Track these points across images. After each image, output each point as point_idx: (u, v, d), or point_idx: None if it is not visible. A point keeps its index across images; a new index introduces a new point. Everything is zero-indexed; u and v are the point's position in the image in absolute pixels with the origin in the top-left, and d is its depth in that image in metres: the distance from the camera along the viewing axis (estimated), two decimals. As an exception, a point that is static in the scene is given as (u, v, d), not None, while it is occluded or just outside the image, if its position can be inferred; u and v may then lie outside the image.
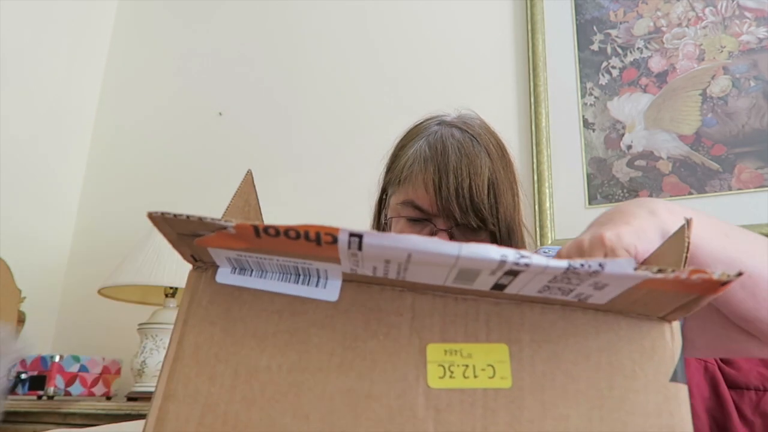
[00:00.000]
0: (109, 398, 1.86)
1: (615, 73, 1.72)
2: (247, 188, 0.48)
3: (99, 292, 1.84)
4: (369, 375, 0.37)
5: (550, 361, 0.37)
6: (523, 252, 0.32)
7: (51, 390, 1.70)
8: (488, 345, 0.37)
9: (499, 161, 0.85)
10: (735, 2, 1.65)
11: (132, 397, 1.72)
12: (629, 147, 1.66)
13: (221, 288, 0.40)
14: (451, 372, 0.37)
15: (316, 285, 0.39)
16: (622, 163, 1.65)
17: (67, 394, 1.75)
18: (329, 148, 2.03)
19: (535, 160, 1.72)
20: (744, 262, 0.48)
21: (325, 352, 0.38)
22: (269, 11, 2.28)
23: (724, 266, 0.48)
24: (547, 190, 1.68)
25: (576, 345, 0.37)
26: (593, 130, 1.71)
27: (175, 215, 0.34)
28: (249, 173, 0.48)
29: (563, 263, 0.32)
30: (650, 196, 1.59)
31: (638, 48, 1.72)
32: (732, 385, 1.02)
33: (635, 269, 0.31)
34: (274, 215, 1.85)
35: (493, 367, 0.37)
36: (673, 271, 0.31)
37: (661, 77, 1.67)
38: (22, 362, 1.75)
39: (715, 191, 1.54)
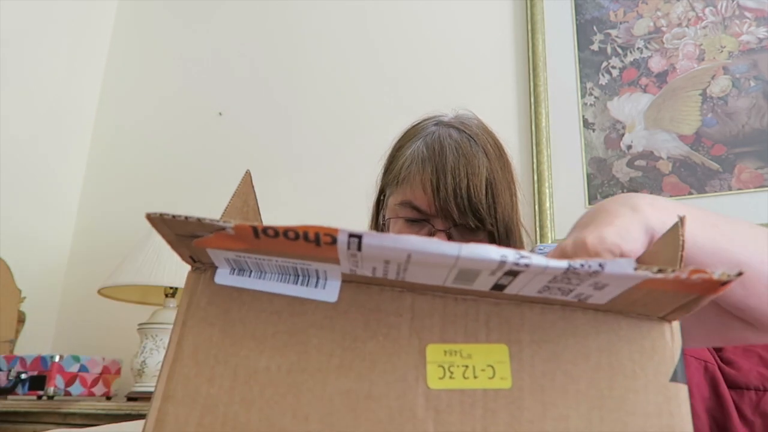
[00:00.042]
0: (109, 398, 1.86)
1: (615, 73, 1.72)
2: (246, 189, 0.48)
3: (99, 292, 1.85)
4: (368, 376, 0.37)
5: (550, 361, 0.37)
6: (522, 252, 0.32)
7: (51, 390, 1.70)
8: (488, 345, 0.37)
9: (497, 161, 0.85)
10: (735, 2, 1.65)
11: (132, 397, 1.73)
12: (629, 147, 1.66)
13: (220, 289, 0.40)
14: (451, 372, 0.36)
15: (316, 286, 0.39)
16: (622, 163, 1.65)
17: (67, 394, 1.75)
18: (329, 148, 2.03)
19: (535, 160, 1.72)
20: (733, 252, 0.48)
21: (324, 353, 0.37)
22: (269, 11, 2.28)
23: (713, 257, 0.47)
24: (547, 190, 1.68)
25: (576, 345, 0.37)
26: (593, 130, 1.71)
27: (173, 216, 0.34)
28: (247, 174, 0.48)
29: (563, 263, 0.32)
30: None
31: (638, 48, 1.72)
32: (732, 385, 1.02)
33: (635, 269, 0.31)
34: (274, 215, 1.85)
35: (492, 367, 0.37)
36: (673, 271, 0.31)
37: (661, 77, 1.67)
38: (22, 362, 1.75)
39: (715, 191, 1.54)
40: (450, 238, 0.82)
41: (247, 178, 0.48)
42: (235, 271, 0.40)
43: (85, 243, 2.28)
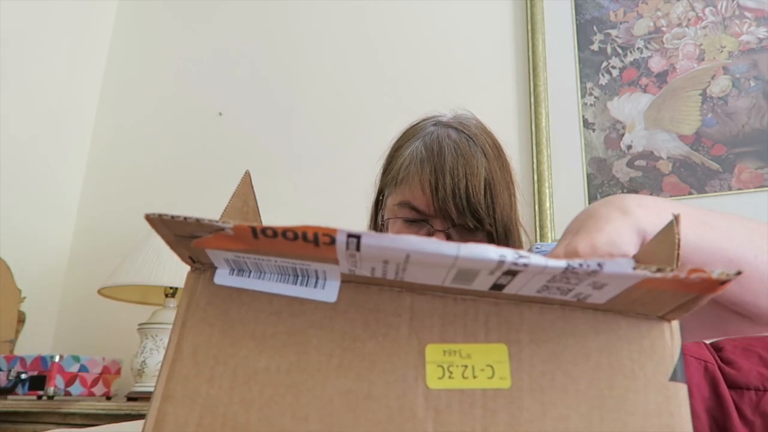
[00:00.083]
0: (109, 398, 1.86)
1: (615, 73, 1.72)
2: (246, 189, 0.48)
3: (99, 292, 1.84)
4: (368, 376, 0.37)
5: (550, 361, 0.37)
6: (521, 252, 0.32)
7: (51, 390, 1.70)
8: (487, 345, 0.37)
9: (496, 161, 0.84)
10: (735, 2, 1.65)
11: (132, 397, 1.72)
12: (629, 147, 1.66)
13: (219, 289, 0.40)
14: (450, 372, 0.36)
15: (315, 286, 0.39)
16: (622, 163, 1.65)
17: (67, 394, 1.75)
18: (329, 148, 2.03)
19: (535, 160, 1.72)
20: (726, 250, 0.48)
21: (323, 353, 0.37)
22: (269, 11, 2.28)
23: (705, 256, 0.47)
24: (547, 190, 1.68)
25: (575, 345, 0.37)
26: (593, 130, 1.70)
27: (172, 217, 0.34)
28: (247, 174, 0.48)
29: (562, 263, 0.32)
30: (650, 195, 1.59)
31: (638, 48, 1.72)
32: (732, 385, 1.02)
33: (634, 268, 0.31)
34: (274, 215, 1.85)
35: (492, 367, 0.37)
36: (672, 270, 0.31)
37: (661, 77, 1.67)
38: (22, 362, 1.75)
39: (715, 191, 1.54)
40: (449, 238, 0.81)
41: (247, 179, 0.48)
42: (235, 271, 0.40)
43: (85, 243, 2.28)
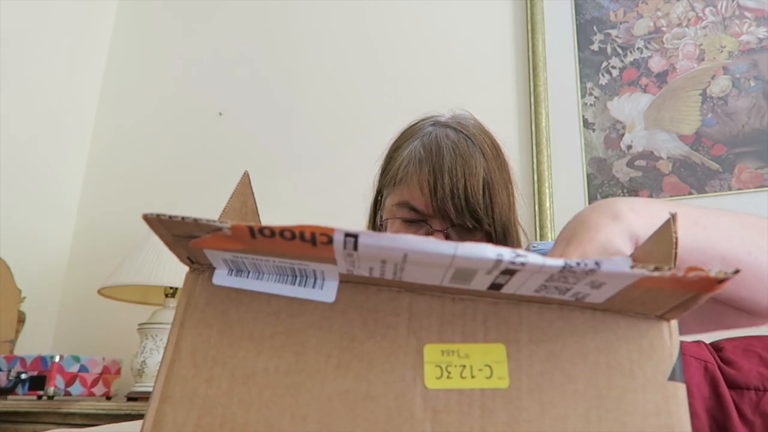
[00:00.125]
0: (109, 398, 1.86)
1: (615, 73, 1.72)
2: (244, 189, 0.48)
3: (99, 292, 1.85)
4: (366, 376, 0.37)
5: (548, 360, 0.37)
6: (519, 251, 0.31)
7: (51, 390, 1.70)
8: (486, 345, 0.37)
9: (494, 161, 0.84)
10: (735, 2, 1.64)
11: (132, 397, 1.73)
12: (629, 147, 1.66)
13: (218, 290, 0.40)
14: (449, 372, 0.36)
15: (313, 286, 0.39)
16: (622, 163, 1.65)
17: (67, 394, 1.75)
18: (329, 148, 2.03)
19: (535, 160, 1.72)
20: (719, 249, 0.48)
21: (322, 354, 0.37)
22: (269, 11, 2.28)
23: (699, 255, 0.47)
24: (547, 190, 1.68)
25: (574, 344, 0.37)
26: (593, 130, 1.70)
27: (170, 217, 0.34)
28: (245, 175, 0.48)
29: (559, 262, 0.31)
30: (650, 196, 1.59)
31: (638, 48, 1.72)
32: (732, 385, 1.02)
33: (632, 267, 0.31)
34: (274, 215, 1.85)
35: (490, 367, 0.36)
36: (670, 269, 0.31)
37: (661, 77, 1.67)
38: (22, 362, 1.75)
39: (715, 191, 1.54)
40: (447, 238, 0.81)
41: (245, 179, 0.48)
42: (233, 271, 0.40)
43: (85, 243, 2.28)
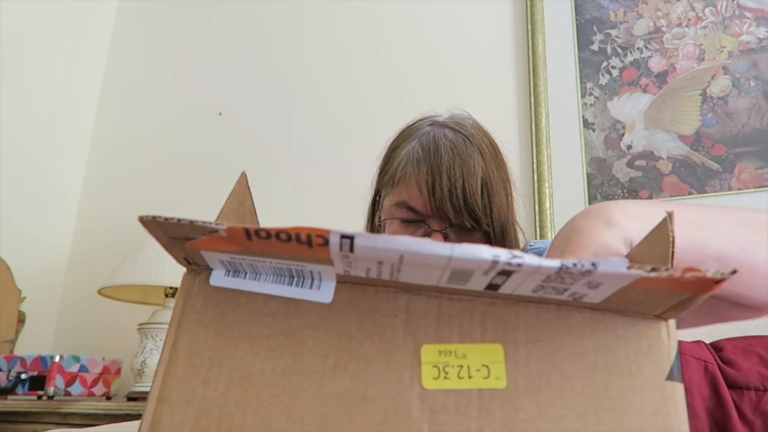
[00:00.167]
0: (109, 398, 1.86)
1: (615, 73, 1.72)
2: (242, 190, 0.47)
3: (99, 292, 1.85)
4: (363, 377, 0.37)
5: (546, 361, 0.37)
6: (515, 252, 0.31)
7: (51, 390, 1.70)
8: (483, 345, 0.37)
9: (492, 161, 0.84)
10: (735, 2, 1.64)
11: (132, 397, 1.73)
12: (629, 147, 1.66)
13: (215, 291, 0.40)
14: (446, 373, 0.36)
15: (311, 287, 0.39)
16: (622, 163, 1.65)
17: (67, 394, 1.76)
18: (329, 148, 2.03)
19: (535, 160, 1.72)
20: (712, 248, 0.48)
21: (319, 354, 0.37)
22: (269, 11, 2.28)
23: (693, 255, 0.47)
24: (547, 190, 1.68)
25: (572, 344, 0.37)
26: (593, 130, 1.70)
27: (166, 219, 0.34)
28: (243, 175, 0.48)
29: (556, 263, 0.31)
30: (650, 196, 1.59)
31: (638, 48, 1.72)
32: (732, 385, 1.02)
33: (628, 268, 0.31)
34: (274, 215, 1.85)
35: (488, 367, 0.36)
36: (667, 269, 0.31)
37: (661, 77, 1.67)
38: (23, 362, 1.75)
39: (715, 191, 1.54)
40: (446, 238, 0.81)
41: (243, 180, 0.48)
42: (230, 272, 0.40)
43: (85, 243, 2.28)
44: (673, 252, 0.35)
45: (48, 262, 2.21)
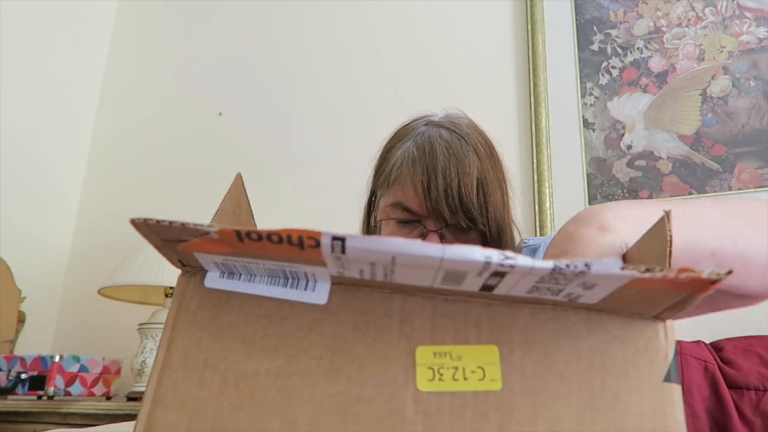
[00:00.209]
0: (109, 398, 1.86)
1: (615, 73, 1.72)
2: (238, 191, 0.47)
3: (99, 292, 1.85)
4: (358, 378, 0.36)
5: (542, 362, 0.36)
6: (507, 253, 0.31)
7: (51, 390, 1.70)
8: (478, 347, 0.37)
9: (488, 160, 0.84)
10: (735, 2, 1.64)
11: (132, 397, 1.73)
12: (629, 147, 1.65)
13: (210, 293, 0.40)
14: (441, 375, 0.36)
15: (305, 288, 0.39)
16: (622, 163, 1.65)
17: (67, 394, 1.76)
18: (329, 148, 2.03)
19: (535, 160, 1.72)
20: (706, 244, 0.47)
21: (313, 356, 0.37)
22: (269, 11, 2.28)
23: (687, 254, 0.47)
24: (547, 190, 1.68)
25: (568, 345, 0.37)
26: (593, 130, 1.70)
27: (158, 221, 0.34)
28: (238, 176, 0.48)
29: (549, 264, 0.31)
30: (650, 196, 1.59)
31: (638, 48, 1.71)
32: (732, 385, 1.02)
33: (622, 269, 0.31)
34: (274, 216, 1.85)
35: (483, 369, 0.36)
36: (661, 270, 0.30)
37: (661, 77, 1.67)
38: (23, 362, 1.75)
39: (715, 191, 1.54)
40: (442, 238, 0.81)
41: (238, 181, 0.48)
42: (225, 274, 0.40)
43: (85, 243, 2.28)
44: (670, 251, 0.35)
45: (48, 262, 2.21)
